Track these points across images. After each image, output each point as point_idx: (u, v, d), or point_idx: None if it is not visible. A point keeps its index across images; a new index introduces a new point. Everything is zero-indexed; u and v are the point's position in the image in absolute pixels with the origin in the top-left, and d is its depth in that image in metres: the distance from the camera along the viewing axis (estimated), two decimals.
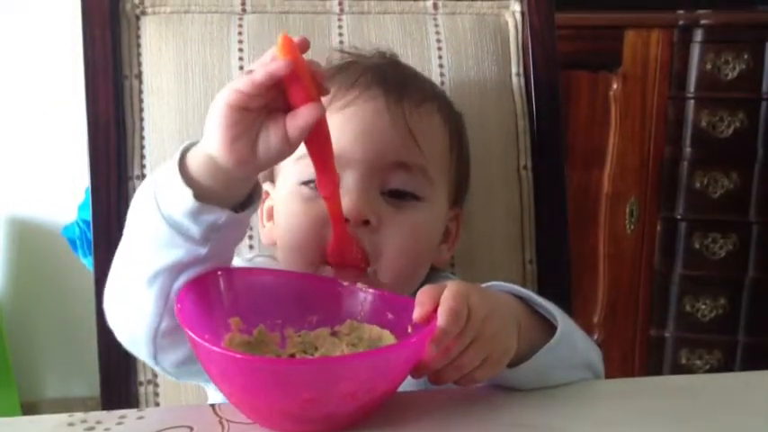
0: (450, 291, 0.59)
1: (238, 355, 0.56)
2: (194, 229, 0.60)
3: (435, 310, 0.58)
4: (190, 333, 0.56)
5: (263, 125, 0.60)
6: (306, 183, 0.73)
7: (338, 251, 0.70)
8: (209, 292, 0.64)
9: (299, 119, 0.59)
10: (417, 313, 0.59)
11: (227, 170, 0.59)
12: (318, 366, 0.58)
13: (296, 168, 0.74)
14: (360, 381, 0.55)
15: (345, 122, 0.72)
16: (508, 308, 0.65)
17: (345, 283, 0.68)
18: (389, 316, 0.66)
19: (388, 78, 0.75)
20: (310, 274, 0.70)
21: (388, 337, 0.64)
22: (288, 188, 0.75)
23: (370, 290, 0.68)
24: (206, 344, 0.55)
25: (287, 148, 0.60)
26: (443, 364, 0.59)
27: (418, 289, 0.60)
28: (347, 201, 0.69)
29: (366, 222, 0.70)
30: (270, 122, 0.60)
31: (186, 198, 0.59)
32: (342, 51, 0.84)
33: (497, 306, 0.63)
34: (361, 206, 0.70)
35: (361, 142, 0.72)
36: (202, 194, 0.59)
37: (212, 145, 0.59)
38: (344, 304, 0.68)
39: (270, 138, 0.59)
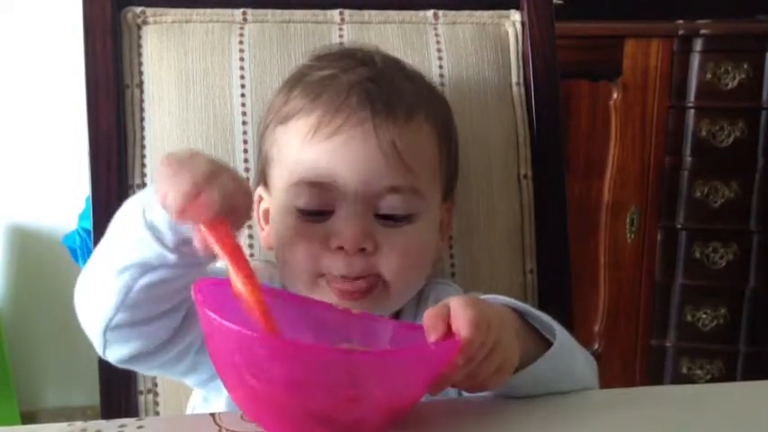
0: (458, 303, 0.59)
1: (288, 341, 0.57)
2: (169, 237, 0.63)
3: (448, 330, 0.58)
4: (225, 322, 0.54)
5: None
6: (300, 210, 0.74)
7: None
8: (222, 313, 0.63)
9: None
10: (433, 338, 0.58)
11: None
12: (371, 358, 0.57)
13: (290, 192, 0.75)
14: (401, 379, 0.55)
15: (335, 151, 0.72)
16: (509, 319, 0.65)
17: (359, 312, 0.69)
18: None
19: (374, 97, 0.74)
20: (327, 303, 0.70)
21: None
22: (283, 201, 0.76)
23: (384, 320, 0.69)
24: (240, 329, 0.53)
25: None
26: (463, 374, 0.59)
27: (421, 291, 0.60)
28: (343, 230, 0.71)
29: (362, 249, 0.72)
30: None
31: None
32: (320, 57, 0.81)
33: (503, 316, 0.63)
34: (356, 234, 0.71)
35: (352, 171, 0.72)
36: None
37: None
38: (359, 333, 0.67)
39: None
